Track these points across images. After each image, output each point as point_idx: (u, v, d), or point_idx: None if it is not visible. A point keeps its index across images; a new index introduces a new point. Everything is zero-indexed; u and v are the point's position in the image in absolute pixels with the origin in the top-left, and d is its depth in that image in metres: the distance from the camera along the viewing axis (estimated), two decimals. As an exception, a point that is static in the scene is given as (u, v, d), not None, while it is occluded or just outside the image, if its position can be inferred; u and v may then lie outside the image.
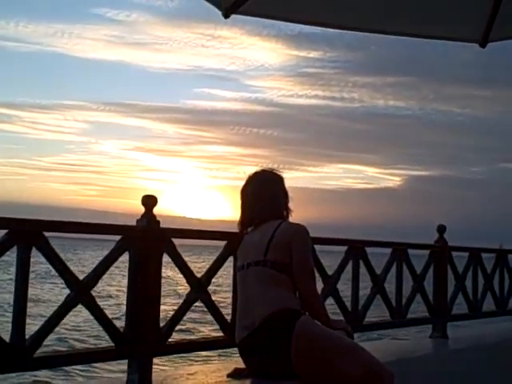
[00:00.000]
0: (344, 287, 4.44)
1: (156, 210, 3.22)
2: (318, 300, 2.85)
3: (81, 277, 2.97)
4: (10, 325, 2.74)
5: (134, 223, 3.22)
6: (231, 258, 3.45)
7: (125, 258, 3.18)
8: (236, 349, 2.83)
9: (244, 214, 2.98)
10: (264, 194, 2.96)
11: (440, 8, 3.20)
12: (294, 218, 3.00)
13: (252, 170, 3.07)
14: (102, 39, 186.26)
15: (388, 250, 4.85)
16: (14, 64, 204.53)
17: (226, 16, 2.93)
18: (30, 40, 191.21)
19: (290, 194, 3.03)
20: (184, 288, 3.52)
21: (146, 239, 3.17)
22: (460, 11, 3.21)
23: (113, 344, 3.08)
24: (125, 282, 3.19)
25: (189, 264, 3.43)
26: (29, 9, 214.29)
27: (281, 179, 3.04)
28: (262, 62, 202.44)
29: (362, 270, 4.48)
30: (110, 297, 21.94)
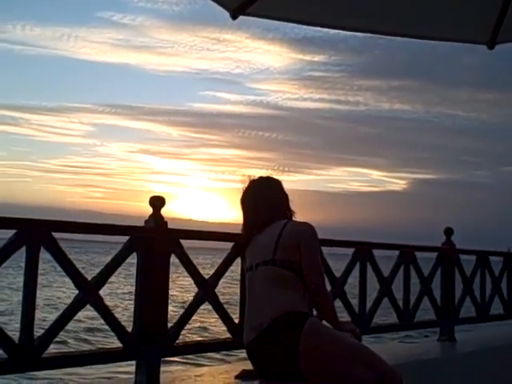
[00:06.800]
0: (351, 289, 4.42)
1: (162, 212, 3.22)
2: (328, 298, 2.85)
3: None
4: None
5: (141, 224, 3.22)
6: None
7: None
8: (244, 350, 2.82)
9: (246, 221, 2.99)
10: (264, 199, 2.96)
11: (448, 10, 3.19)
12: (299, 220, 3.00)
13: (250, 172, 3.08)
14: (108, 42, 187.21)
15: (395, 253, 4.84)
16: (21, 67, 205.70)
17: (234, 17, 2.93)
18: (36, 43, 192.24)
19: (292, 197, 3.03)
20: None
21: (154, 240, 3.17)
22: (468, 13, 3.20)
23: (121, 345, 3.08)
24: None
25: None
26: (35, 12, 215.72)
27: (278, 183, 3.05)
28: (267, 65, 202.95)
29: (370, 272, 4.46)
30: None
